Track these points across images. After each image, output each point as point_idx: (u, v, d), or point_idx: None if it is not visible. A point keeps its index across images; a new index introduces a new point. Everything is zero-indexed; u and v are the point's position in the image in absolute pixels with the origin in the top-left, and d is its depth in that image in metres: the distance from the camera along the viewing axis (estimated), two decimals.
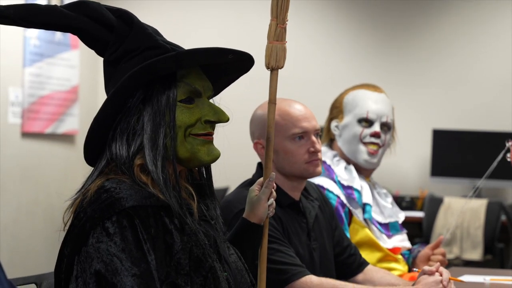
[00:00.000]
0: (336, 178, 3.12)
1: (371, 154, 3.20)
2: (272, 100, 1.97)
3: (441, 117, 6.86)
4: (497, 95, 6.75)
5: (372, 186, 3.28)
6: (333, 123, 3.28)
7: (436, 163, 6.62)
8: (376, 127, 3.22)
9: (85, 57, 6.83)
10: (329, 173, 3.13)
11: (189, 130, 1.77)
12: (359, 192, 3.13)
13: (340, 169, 3.16)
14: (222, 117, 1.80)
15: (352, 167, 3.21)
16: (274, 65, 1.96)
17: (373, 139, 3.21)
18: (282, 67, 1.97)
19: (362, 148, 3.20)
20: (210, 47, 1.78)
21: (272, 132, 1.98)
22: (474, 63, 6.84)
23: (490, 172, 3.07)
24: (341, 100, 3.29)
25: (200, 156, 1.78)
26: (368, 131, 3.21)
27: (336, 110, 3.29)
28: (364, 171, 3.26)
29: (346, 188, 3.12)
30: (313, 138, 2.61)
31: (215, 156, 1.81)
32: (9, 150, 5.91)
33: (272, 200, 2.01)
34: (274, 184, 2.02)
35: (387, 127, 3.26)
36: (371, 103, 3.23)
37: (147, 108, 1.75)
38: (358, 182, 3.16)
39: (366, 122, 3.22)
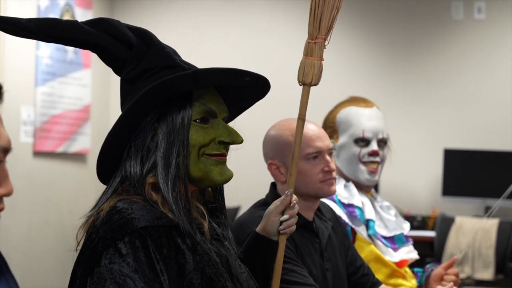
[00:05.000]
0: (336, 197, 3.10)
1: (372, 172, 3.19)
2: (300, 116, 1.95)
3: (452, 136, 6.84)
4: (508, 114, 6.74)
5: (374, 200, 3.26)
6: None
7: (447, 182, 6.60)
8: (374, 146, 3.20)
9: (97, 76, 6.85)
10: None
11: (202, 149, 1.77)
12: (360, 209, 3.12)
13: (339, 187, 3.15)
14: (236, 139, 1.80)
15: (351, 184, 3.19)
16: (301, 80, 1.94)
17: (371, 158, 3.19)
18: (311, 83, 1.94)
19: (362, 168, 3.18)
20: (229, 67, 1.78)
21: (298, 149, 1.95)
22: (485, 82, 6.84)
23: (507, 194, 3.05)
24: (333, 119, 3.26)
25: (213, 176, 1.78)
26: (366, 150, 3.19)
27: (330, 129, 3.25)
28: (365, 187, 3.25)
29: (347, 207, 3.10)
30: (327, 157, 2.60)
31: (228, 177, 1.81)
32: (21, 169, 5.92)
33: (286, 216, 1.95)
34: (295, 201, 1.97)
35: (383, 142, 3.25)
36: (365, 121, 3.20)
37: (162, 126, 1.75)
38: (358, 199, 3.14)
39: (363, 141, 3.20)
